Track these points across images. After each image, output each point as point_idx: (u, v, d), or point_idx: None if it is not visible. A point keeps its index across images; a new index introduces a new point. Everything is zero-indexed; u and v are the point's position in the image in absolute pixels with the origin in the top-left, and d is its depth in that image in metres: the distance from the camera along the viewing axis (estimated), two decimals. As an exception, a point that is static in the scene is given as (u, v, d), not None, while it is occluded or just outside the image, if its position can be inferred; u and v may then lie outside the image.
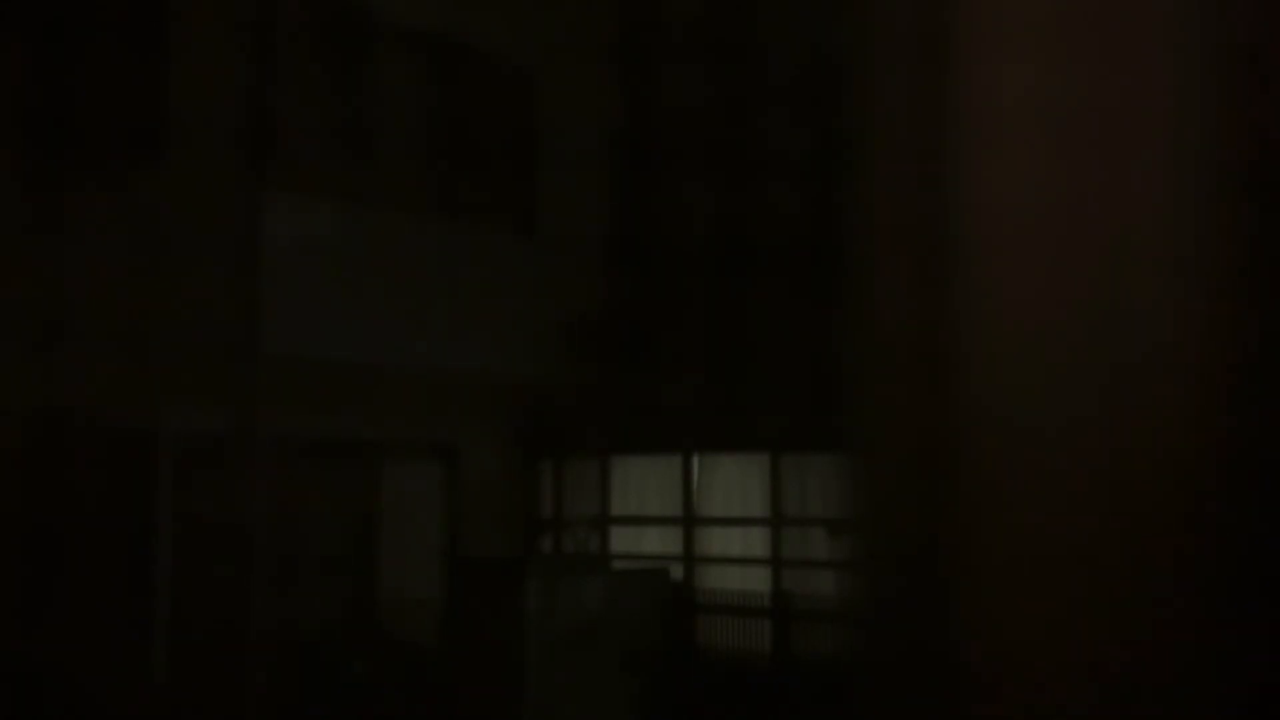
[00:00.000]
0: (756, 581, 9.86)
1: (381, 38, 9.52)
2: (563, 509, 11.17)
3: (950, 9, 1.76)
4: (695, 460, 10.55)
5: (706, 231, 10.46)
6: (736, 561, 10.26)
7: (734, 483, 10.45)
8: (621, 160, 11.14)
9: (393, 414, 9.80)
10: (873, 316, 1.83)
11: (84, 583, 8.33)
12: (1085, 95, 1.64)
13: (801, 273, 9.39)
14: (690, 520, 10.47)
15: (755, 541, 10.21)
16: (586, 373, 10.33)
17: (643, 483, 10.92)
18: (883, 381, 1.81)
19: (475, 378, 9.92)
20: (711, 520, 10.49)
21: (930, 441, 1.72)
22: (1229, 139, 1.60)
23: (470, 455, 10.46)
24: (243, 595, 8.39)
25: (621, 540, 10.88)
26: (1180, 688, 1.54)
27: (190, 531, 8.50)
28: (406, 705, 8.83)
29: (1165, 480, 1.56)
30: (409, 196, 9.66)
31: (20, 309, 8.35)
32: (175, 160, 8.47)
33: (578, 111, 10.80)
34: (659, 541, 10.66)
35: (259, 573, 8.50)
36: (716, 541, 10.50)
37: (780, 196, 9.94)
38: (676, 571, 10.06)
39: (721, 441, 10.32)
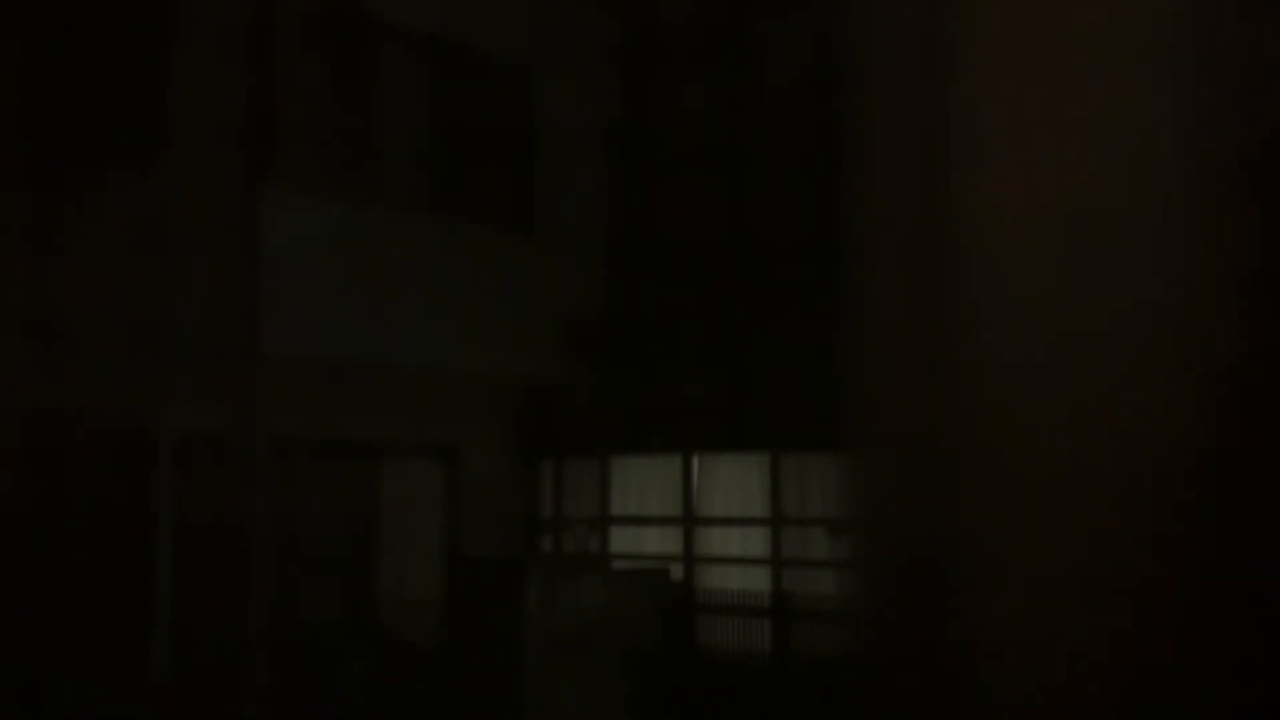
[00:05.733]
0: (756, 581, 9.86)
1: (380, 37, 9.52)
2: (563, 509, 11.17)
3: (950, 9, 1.76)
4: (695, 460, 10.54)
5: (706, 230, 10.46)
6: (736, 561, 10.26)
7: (734, 483, 10.45)
8: (621, 159, 11.14)
9: (393, 414, 9.80)
10: (872, 316, 1.83)
11: (85, 582, 8.32)
12: (1085, 95, 1.64)
13: (801, 272, 9.39)
14: (690, 520, 10.47)
15: (755, 541, 10.21)
16: (586, 372, 10.32)
17: (643, 483, 10.92)
18: (882, 381, 1.81)
19: (475, 378, 9.91)
20: (711, 520, 10.49)
21: (930, 441, 1.72)
22: (1230, 140, 1.60)
23: (470, 455, 10.46)
24: (243, 595, 8.39)
25: (621, 540, 10.88)
26: (1182, 687, 1.53)
27: (191, 531, 8.50)
28: (407, 705, 8.83)
29: (1167, 479, 1.56)
30: (408, 196, 9.65)
31: (20, 309, 8.35)
32: (175, 160, 8.46)
33: (577, 110, 10.79)
34: (659, 541, 10.66)
35: (259, 573, 8.50)
36: (716, 541, 10.50)
37: (780, 196, 9.94)
38: (676, 571, 10.06)
39: (721, 441, 10.32)
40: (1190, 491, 1.55)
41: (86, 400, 8.40)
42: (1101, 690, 1.56)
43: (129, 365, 8.22)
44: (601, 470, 11.03)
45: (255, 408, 8.49)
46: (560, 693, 8.44)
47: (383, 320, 8.87)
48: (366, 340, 8.78)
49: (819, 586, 9.40)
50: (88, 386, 8.33)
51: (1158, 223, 1.60)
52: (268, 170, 8.55)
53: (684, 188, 10.67)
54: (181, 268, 8.29)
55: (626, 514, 10.94)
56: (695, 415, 10.19)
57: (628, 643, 8.85)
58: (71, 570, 8.32)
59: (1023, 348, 1.65)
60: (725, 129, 10.58)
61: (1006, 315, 1.66)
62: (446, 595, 9.42)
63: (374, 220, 9.12)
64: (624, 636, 8.84)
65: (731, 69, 10.60)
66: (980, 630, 1.64)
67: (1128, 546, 1.56)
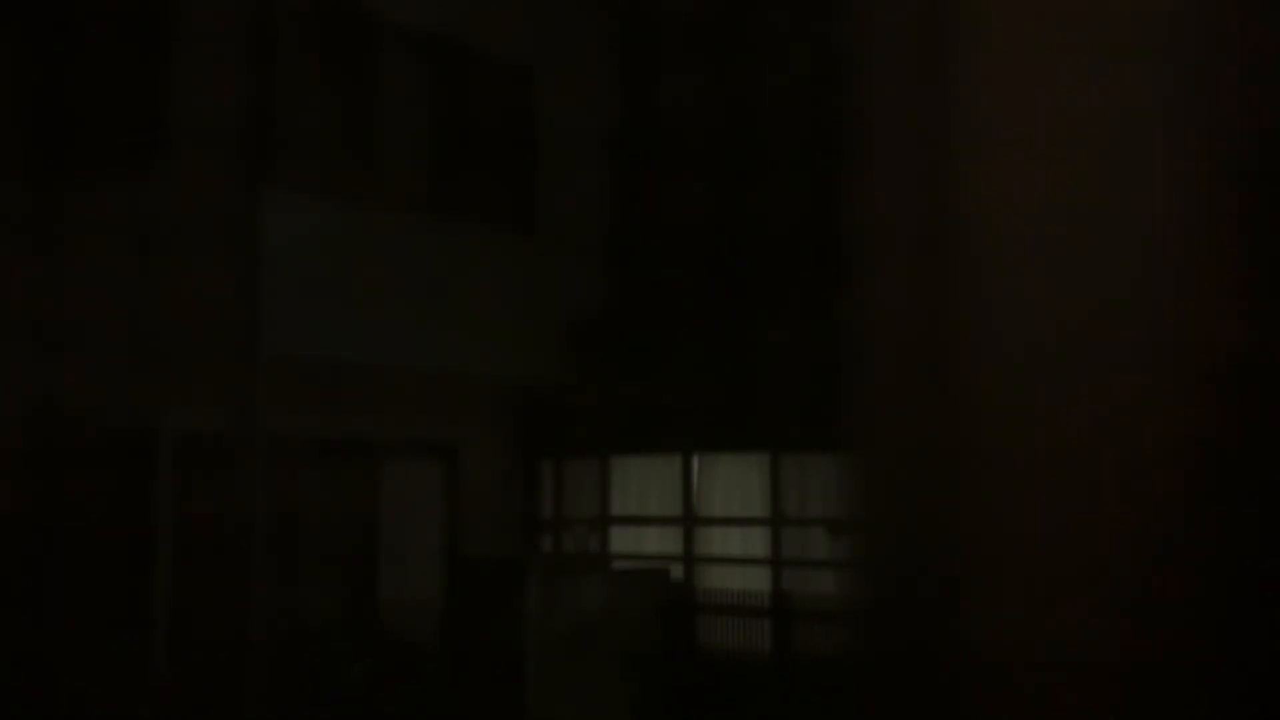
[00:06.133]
0: (756, 581, 9.86)
1: (379, 37, 9.52)
2: (563, 509, 11.16)
3: (950, 9, 1.76)
4: (695, 460, 10.54)
5: (707, 230, 10.46)
6: (736, 561, 10.25)
7: (734, 483, 10.45)
8: (622, 159, 11.14)
9: (393, 414, 9.79)
10: (873, 315, 1.83)
11: (85, 582, 8.32)
12: (1085, 94, 1.64)
13: (801, 272, 9.39)
14: (690, 520, 10.47)
15: (755, 541, 10.21)
16: (586, 372, 10.32)
17: (643, 483, 10.92)
18: (883, 380, 1.81)
19: (475, 377, 9.91)
20: (711, 520, 10.48)
21: (931, 441, 1.72)
22: (1229, 138, 1.60)
23: (470, 455, 10.46)
24: (243, 595, 8.38)
25: (621, 540, 10.88)
26: (1183, 686, 1.53)
27: (191, 531, 8.49)
28: (407, 705, 8.83)
29: (1167, 479, 1.56)
30: (407, 196, 9.65)
31: (20, 309, 8.35)
32: (176, 161, 8.46)
33: (577, 110, 10.79)
34: (659, 541, 10.66)
35: (259, 573, 8.50)
36: (716, 541, 10.50)
37: (781, 195, 9.94)
38: (676, 571, 10.05)
39: (721, 441, 10.32)
40: (1191, 491, 1.55)
41: (87, 400, 8.40)
42: (1102, 690, 1.56)
43: (130, 365, 8.22)
44: (601, 470, 11.03)
45: (255, 408, 8.48)
46: (560, 693, 8.44)
47: (382, 320, 8.87)
48: (366, 340, 8.78)
49: (819, 586, 9.40)
50: (88, 387, 8.33)
51: (1158, 221, 1.60)
52: (267, 170, 8.55)
53: (684, 187, 10.67)
54: (182, 267, 8.29)
55: (626, 514, 10.94)
56: (695, 415, 10.19)
57: (628, 643, 8.85)
58: (72, 570, 8.32)
59: (1024, 347, 1.65)
60: (726, 128, 10.58)
61: (1007, 314, 1.66)
62: (446, 595, 9.42)
63: (374, 220, 9.12)
64: (624, 637, 8.84)
65: (732, 68, 10.60)
66: (980, 630, 1.64)
67: (1128, 546, 1.56)
